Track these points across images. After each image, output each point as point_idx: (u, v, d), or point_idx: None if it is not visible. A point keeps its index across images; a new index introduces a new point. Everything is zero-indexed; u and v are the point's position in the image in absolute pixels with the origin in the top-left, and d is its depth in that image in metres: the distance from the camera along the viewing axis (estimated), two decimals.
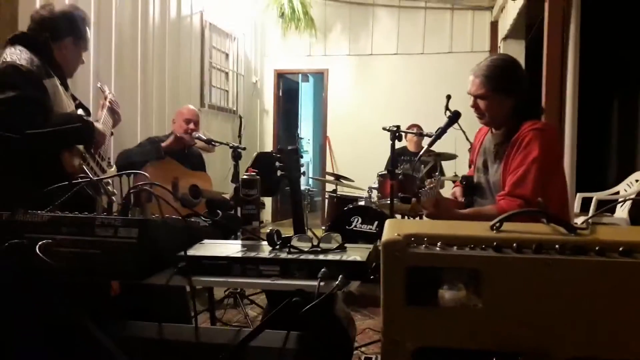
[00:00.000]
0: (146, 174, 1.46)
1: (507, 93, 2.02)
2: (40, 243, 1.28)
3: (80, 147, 2.12)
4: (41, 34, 2.12)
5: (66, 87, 2.19)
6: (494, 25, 6.87)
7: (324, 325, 1.53)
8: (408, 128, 4.97)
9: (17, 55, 2.00)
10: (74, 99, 2.27)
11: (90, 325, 1.32)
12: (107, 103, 2.39)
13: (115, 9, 4.26)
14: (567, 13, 4.10)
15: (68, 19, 2.19)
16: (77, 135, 2.05)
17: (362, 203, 4.30)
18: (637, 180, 4.70)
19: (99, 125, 2.21)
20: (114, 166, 2.42)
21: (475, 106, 2.08)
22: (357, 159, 7.01)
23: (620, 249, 1.01)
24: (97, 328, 1.31)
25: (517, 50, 6.10)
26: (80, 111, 2.22)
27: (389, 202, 3.32)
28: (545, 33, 4.15)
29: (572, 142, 4.09)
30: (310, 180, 9.04)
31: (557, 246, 1.03)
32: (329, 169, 7.41)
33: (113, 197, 2.09)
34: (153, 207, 1.41)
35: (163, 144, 3.50)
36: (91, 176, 2.12)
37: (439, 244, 1.08)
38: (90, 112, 2.29)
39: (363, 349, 2.56)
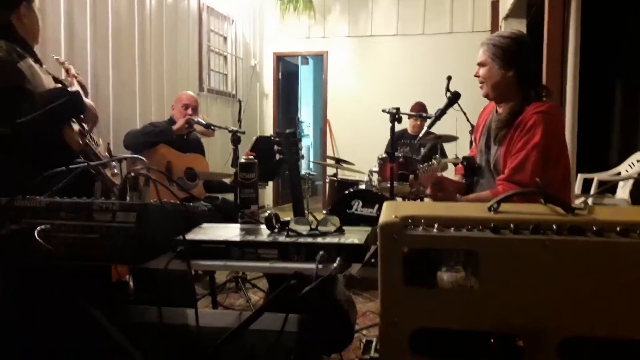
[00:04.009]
0: (143, 158, 1.45)
1: (507, 64, 2.02)
2: (38, 228, 1.28)
3: (76, 126, 2.08)
4: None
5: (40, 63, 2.09)
6: (495, 5, 6.78)
7: (324, 308, 1.54)
8: (412, 106, 4.95)
9: None
10: (48, 73, 2.21)
11: (91, 309, 1.33)
12: (74, 77, 2.31)
13: None
14: None
15: None
16: (68, 109, 1.99)
17: (362, 186, 4.30)
18: (638, 161, 4.69)
19: (86, 100, 2.16)
20: (107, 145, 2.37)
21: (477, 74, 2.10)
22: (357, 142, 6.99)
23: (618, 228, 1.01)
24: (99, 312, 1.32)
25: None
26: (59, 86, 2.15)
27: (389, 185, 3.32)
28: (546, 12, 4.10)
29: (572, 122, 4.07)
30: (311, 164, 9.03)
31: (554, 227, 1.03)
32: (329, 152, 7.40)
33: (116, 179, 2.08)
34: (151, 192, 1.41)
35: (174, 127, 3.53)
36: (96, 151, 2.09)
37: (436, 225, 1.08)
38: (66, 85, 2.21)
39: (364, 331, 2.58)
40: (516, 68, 2.02)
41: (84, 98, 2.13)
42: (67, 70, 2.31)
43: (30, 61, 2.00)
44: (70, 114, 2.03)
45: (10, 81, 1.89)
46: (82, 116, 2.11)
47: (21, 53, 1.98)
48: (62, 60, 2.40)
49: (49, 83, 2.08)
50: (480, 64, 2.08)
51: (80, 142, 2.02)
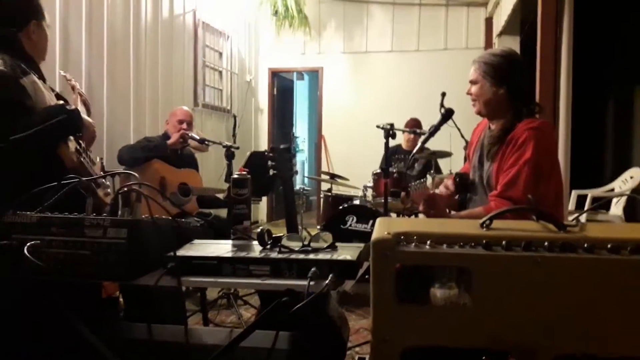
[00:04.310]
0: (135, 174, 1.45)
1: (498, 82, 2.03)
2: (28, 244, 1.27)
3: (73, 143, 2.07)
4: (6, 29, 1.99)
5: (43, 80, 2.09)
6: (489, 22, 6.87)
7: (316, 325, 1.52)
8: (407, 122, 4.97)
9: None
10: (52, 90, 2.21)
11: (80, 326, 1.31)
12: (78, 95, 2.31)
13: (107, 7, 4.24)
14: (560, 9, 4.10)
15: (24, 2, 2.06)
16: (65, 126, 1.97)
17: (357, 202, 4.30)
18: (632, 177, 4.71)
19: (85, 116, 2.15)
20: (100, 162, 2.36)
21: (469, 91, 2.12)
22: (352, 157, 7.01)
23: (609, 245, 1.01)
24: (88, 329, 1.31)
25: (512, 47, 6.07)
26: (61, 102, 2.14)
27: (383, 200, 3.32)
28: (539, 29, 4.15)
29: (566, 138, 4.10)
30: (306, 179, 9.04)
31: (546, 243, 1.03)
32: (324, 167, 7.40)
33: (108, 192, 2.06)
34: (143, 208, 1.40)
35: (169, 142, 3.53)
36: (90, 170, 2.07)
37: (428, 242, 1.08)
38: (68, 102, 2.21)
39: (357, 349, 2.56)
40: (507, 85, 2.03)
41: (84, 116, 2.12)
42: (73, 87, 2.33)
43: (34, 77, 1.99)
44: (67, 131, 2.02)
45: (9, 95, 1.88)
46: (79, 134, 2.10)
47: (25, 69, 1.97)
48: (69, 77, 2.42)
49: (51, 99, 2.08)
50: (472, 82, 2.10)
51: (75, 159, 2.01)
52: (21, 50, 2.02)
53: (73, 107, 2.06)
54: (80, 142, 2.10)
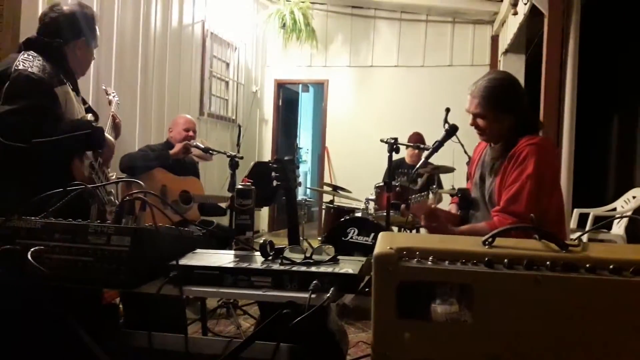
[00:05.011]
0: (141, 182, 1.46)
1: (506, 111, 2.04)
2: (32, 249, 1.28)
3: (89, 159, 2.12)
4: (54, 38, 2.08)
5: (77, 92, 2.17)
6: (495, 40, 6.90)
7: (316, 338, 1.52)
8: (410, 136, 4.98)
9: (30, 62, 1.97)
10: (84, 102, 2.26)
11: (80, 332, 1.31)
12: (112, 117, 2.40)
13: (117, 16, 4.29)
14: (566, 29, 4.12)
15: (78, 19, 2.15)
16: (86, 142, 2.03)
17: (358, 214, 4.30)
18: (634, 197, 4.71)
19: (108, 136, 2.20)
20: (114, 173, 2.41)
21: (474, 124, 2.11)
22: (355, 170, 7.01)
23: (611, 266, 1.01)
24: (88, 335, 1.31)
25: (517, 65, 6.12)
26: (89, 116, 2.20)
27: (385, 214, 3.32)
28: (544, 48, 4.17)
29: (569, 157, 4.10)
30: (308, 191, 9.04)
31: (548, 263, 1.04)
32: (327, 179, 7.41)
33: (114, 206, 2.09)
34: (146, 216, 1.40)
35: (171, 152, 3.54)
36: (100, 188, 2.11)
37: (430, 258, 1.08)
38: (99, 117, 2.27)
39: None
40: (513, 112, 2.04)
41: (107, 136, 2.18)
42: (110, 102, 2.40)
43: (68, 88, 2.07)
44: (87, 146, 2.07)
45: (40, 101, 1.93)
46: (99, 151, 2.15)
47: (62, 79, 2.05)
48: (110, 91, 2.49)
49: (81, 111, 2.14)
50: (478, 116, 2.08)
51: (86, 174, 2.04)
52: (63, 61, 2.11)
53: (99, 125, 2.12)
54: (98, 159, 2.16)
